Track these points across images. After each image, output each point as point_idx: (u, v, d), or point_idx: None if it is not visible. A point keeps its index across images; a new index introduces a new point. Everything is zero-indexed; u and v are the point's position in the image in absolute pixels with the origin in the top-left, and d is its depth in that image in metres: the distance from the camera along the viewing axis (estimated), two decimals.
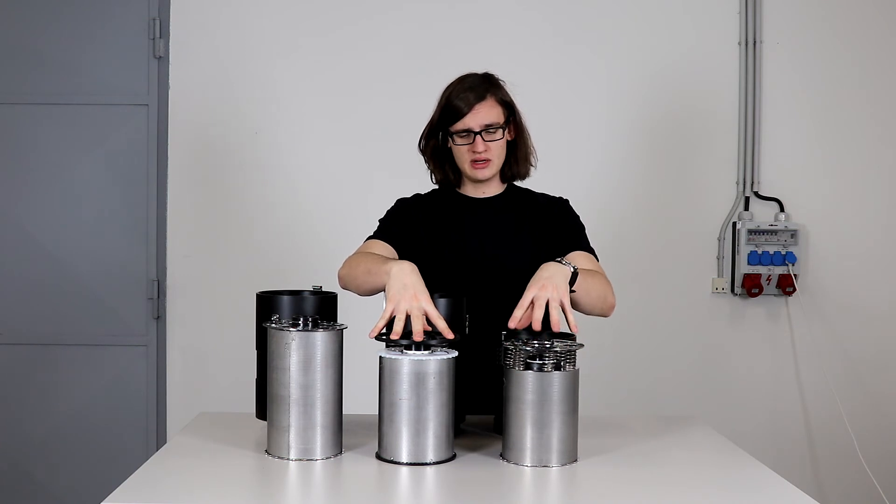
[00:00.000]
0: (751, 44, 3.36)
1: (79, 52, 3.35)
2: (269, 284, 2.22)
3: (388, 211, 2.20)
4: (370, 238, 2.14)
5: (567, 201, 2.20)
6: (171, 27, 3.35)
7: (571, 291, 1.86)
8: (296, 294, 1.90)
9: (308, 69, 3.37)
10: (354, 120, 3.37)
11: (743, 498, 1.63)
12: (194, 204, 3.37)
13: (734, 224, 3.38)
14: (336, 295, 1.94)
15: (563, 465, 1.72)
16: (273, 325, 1.74)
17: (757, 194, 3.39)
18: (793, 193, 3.40)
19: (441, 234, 2.13)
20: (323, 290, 1.93)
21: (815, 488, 3.38)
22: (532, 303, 1.79)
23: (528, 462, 1.72)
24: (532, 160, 2.17)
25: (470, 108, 2.04)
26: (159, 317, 3.38)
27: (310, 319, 1.73)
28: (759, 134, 3.38)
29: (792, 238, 3.34)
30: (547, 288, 1.79)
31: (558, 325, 1.80)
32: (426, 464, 1.70)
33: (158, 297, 3.37)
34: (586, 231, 2.17)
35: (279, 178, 3.37)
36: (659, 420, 2.15)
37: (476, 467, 1.72)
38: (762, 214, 3.39)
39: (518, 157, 2.15)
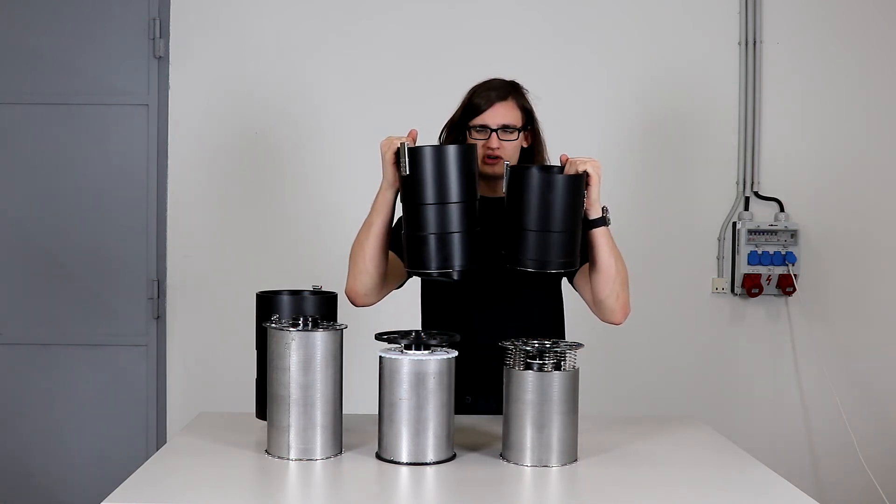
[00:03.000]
0: (751, 44, 3.36)
1: (79, 52, 3.35)
2: (269, 284, 2.22)
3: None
4: None
5: None
6: (171, 27, 3.35)
7: (603, 220, 1.93)
8: (296, 294, 1.90)
9: (308, 69, 3.37)
10: (355, 120, 3.36)
11: (743, 498, 1.63)
12: (194, 204, 3.37)
13: (734, 224, 3.38)
14: (336, 295, 1.95)
15: (563, 465, 1.72)
16: (273, 325, 1.74)
17: (757, 194, 3.39)
18: (793, 193, 3.40)
19: None
20: (323, 290, 1.93)
21: (815, 488, 3.38)
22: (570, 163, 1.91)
23: (528, 462, 1.72)
24: None
25: (490, 105, 2.09)
26: (159, 317, 3.38)
27: (310, 319, 1.73)
28: (759, 134, 3.38)
29: (792, 238, 3.34)
30: (587, 162, 1.89)
31: (575, 162, 1.88)
32: (426, 464, 1.70)
33: (158, 297, 3.37)
34: None
35: (279, 178, 3.37)
36: (659, 420, 2.15)
37: (476, 467, 1.72)
38: (762, 214, 3.39)
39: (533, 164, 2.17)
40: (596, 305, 2.03)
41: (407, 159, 1.83)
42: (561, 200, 1.82)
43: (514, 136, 2.10)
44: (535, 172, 1.85)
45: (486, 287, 2.10)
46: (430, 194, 1.82)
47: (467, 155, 1.84)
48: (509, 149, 2.09)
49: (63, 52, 3.35)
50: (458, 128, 2.14)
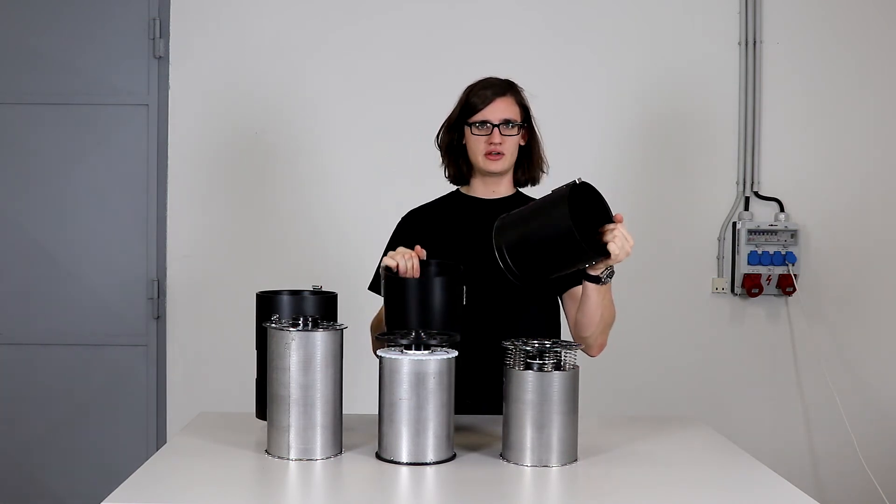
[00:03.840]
0: (751, 44, 3.36)
1: (79, 52, 3.35)
2: (269, 284, 2.21)
3: (388, 242, 2.21)
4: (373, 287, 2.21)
5: None
6: (171, 27, 3.35)
7: (598, 278, 1.90)
8: (296, 294, 1.90)
9: (308, 69, 3.37)
10: (355, 120, 3.36)
11: (743, 498, 1.63)
12: (194, 204, 3.37)
13: (734, 224, 3.38)
14: (336, 295, 1.95)
15: (563, 465, 1.72)
16: (273, 325, 1.74)
17: (757, 194, 3.39)
18: (793, 193, 3.40)
19: (448, 237, 2.15)
20: (323, 290, 1.93)
21: (815, 488, 3.38)
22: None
23: (528, 462, 1.72)
24: (544, 167, 2.22)
25: (490, 101, 2.10)
26: (159, 317, 3.38)
27: (310, 319, 1.73)
28: (759, 134, 3.38)
29: (792, 238, 3.34)
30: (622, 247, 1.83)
31: (611, 233, 1.83)
32: (426, 464, 1.70)
33: (158, 297, 3.37)
34: None
35: (279, 178, 3.37)
36: (659, 420, 2.15)
37: (476, 467, 1.72)
38: (762, 214, 3.39)
39: (532, 162, 2.19)
40: (575, 335, 2.08)
41: (381, 285, 1.89)
42: (560, 260, 1.82)
43: (515, 131, 2.11)
44: (571, 229, 1.75)
45: (486, 291, 2.09)
46: (411, 321, 1.85)
47: (445, 287, 1.85)
48: (510, 144, 2.11)
49: (63, 52, 3.35)
50: (456, 126, 2.15)
